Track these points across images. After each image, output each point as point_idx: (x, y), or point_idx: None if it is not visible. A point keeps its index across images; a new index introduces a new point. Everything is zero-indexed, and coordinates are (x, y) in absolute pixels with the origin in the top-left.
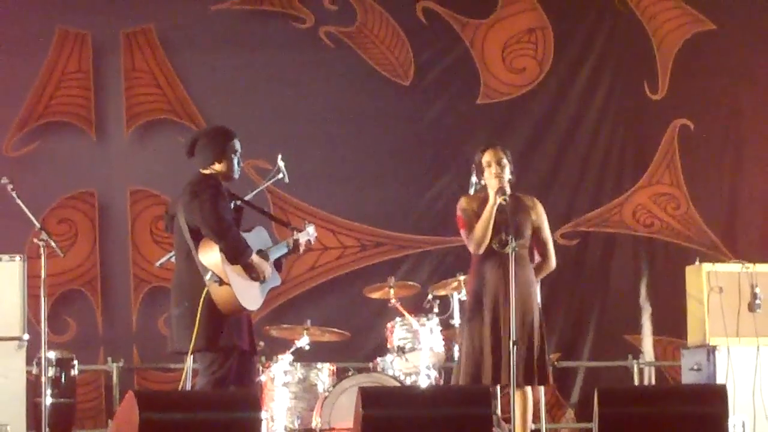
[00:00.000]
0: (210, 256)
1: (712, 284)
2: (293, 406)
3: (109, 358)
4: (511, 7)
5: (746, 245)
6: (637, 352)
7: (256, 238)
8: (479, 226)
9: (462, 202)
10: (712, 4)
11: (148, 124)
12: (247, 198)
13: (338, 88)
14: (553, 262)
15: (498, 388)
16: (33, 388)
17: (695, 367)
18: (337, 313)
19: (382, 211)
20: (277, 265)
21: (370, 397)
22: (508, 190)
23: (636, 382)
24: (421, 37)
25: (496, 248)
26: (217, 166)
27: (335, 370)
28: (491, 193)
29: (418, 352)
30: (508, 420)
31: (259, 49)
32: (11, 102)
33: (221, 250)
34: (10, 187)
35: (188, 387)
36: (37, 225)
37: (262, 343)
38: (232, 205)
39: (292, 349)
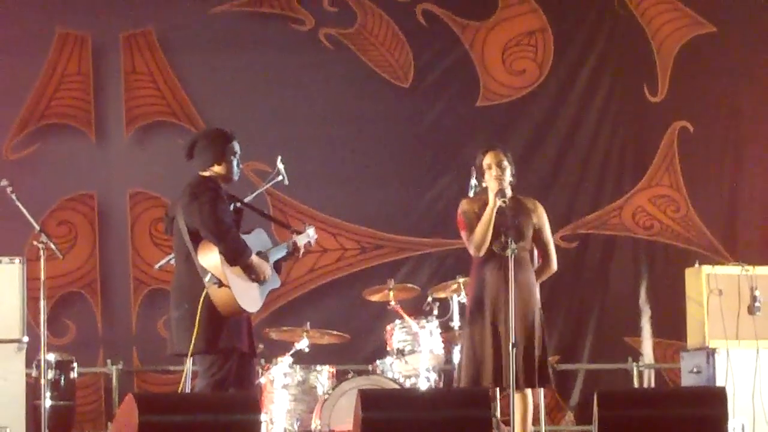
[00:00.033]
0: (209, 258)
1: (711, 287)
2: (293, 408)
3: (109, 361)
4: (511, 10)
5: (746, 248)
6: (636, 355)
7: (256, 239)
8: (479, 229)
9: (463, 204)
10: (711, 6)
11: (147, 126)
12: (246, 200)
13: (338, 90)
14: (554, 264)
15: (498, 390)
16: (32, 390)
17: (695, 370)
18: (336, 315)
19: (382, 214)
20: (277, 267)
21: (369, 400)
22: (509, 192)
23: (636, 385)
24: (420, 39)
25: (497, 251)
26: (217, 168)
27: (335, 373)
28: (491, 195)
29: (417, 355)
30: (507, 422)
31: (259, 51)
32: (11, 104)
33: (220, 252)
34: (9, 189)
35: (188, 389)
36: (37, 227)
37: (261, 346)
38: (232, 207)
39: (291, 352)
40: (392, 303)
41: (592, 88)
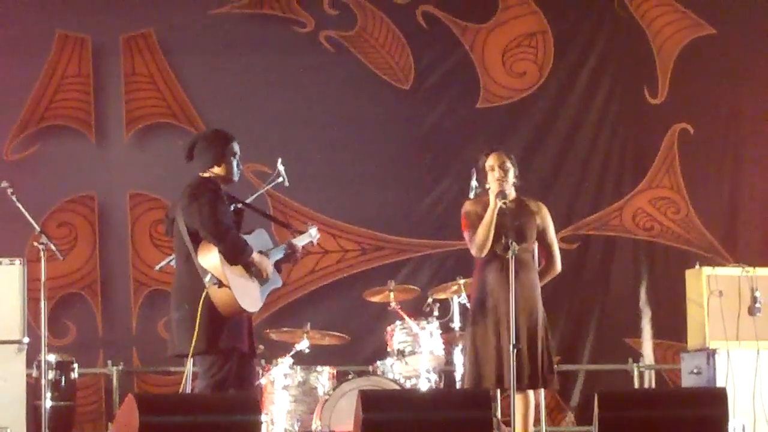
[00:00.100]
0: (209, 258)
1: (712, 288)
2: (293, 409)
3: (109, 362)
4: (511, 11)
5: (746, 249)
6: (637, 356)
7: (257, 240)
8: (480, 230)
9: (466, 205)
10: (711, 8)
11: (147, 127)
12: (247, 201)
13: (338, 92)
14: (558, 266)
15: (499, 390)
16: (33, 391)
17: (695, 371)
18: (337, 316)
19: (383, 215)
20: (277, 267)
21: (370, 401)
22: (512, 194)
23: (636, 386)
24: (421, 42)
25: (500, 252)
26: (217, 169)
27: (335, 374)
28: (491, 196)
29: (418, 356)
30: (508, 423)
31: (259, 53)
32: (11, 105)
33: (220, 251)
34: (10, 190)
35: (188, 390)
36: (37, 228)
37: (261, 347)
38: (232, 208)
39: (292, 353)
40: (393, 304)
41: (592, 90)
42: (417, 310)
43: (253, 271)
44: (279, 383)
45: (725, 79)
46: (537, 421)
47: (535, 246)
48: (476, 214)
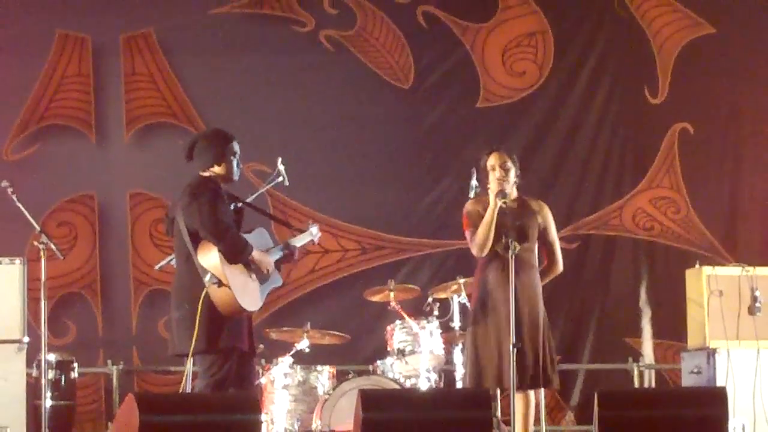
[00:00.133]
0: (209, 257)
1: (712, 287)
2: (293, 408)
3: (109, 361)
4: (511, 11)
5: (746, 248)
6: (637, 355)
7: (257, 239)
8: (481, 229)
9: (468, 205)
10: (711, 7)
11: (147, 127)
12: (247, 201)
13: (338, 91)
14: (560, 265)
15: (498, 390)
16: (33, 390)
17: (695, 370)
18: (337, 315)
19: (383, 214)
20: (276, 266)
21: (370, 400)
22: (513, 193)
23: (636, 385)
24: (421, 41)
25: (501, 252)
26: (216, 169)
27: (335, 373)
28: (491, 196)
29: (418, 355)
30: (508, 422)
31: (259, 53)
32: (11, 104)
33: (220, 251)
34: (10, 190)
35: (188, 389)
36: (37, 228)
37: (261, 346)
38: (233, 207)
39: (292, 352)
40: (393, 303)
41: (592, 90)
42: (417, 310)
43: (253, 268)
44: (279, 382)
45: (725, 79)
46: (537, 421)
47: (535, 245)
48: (478, 214)
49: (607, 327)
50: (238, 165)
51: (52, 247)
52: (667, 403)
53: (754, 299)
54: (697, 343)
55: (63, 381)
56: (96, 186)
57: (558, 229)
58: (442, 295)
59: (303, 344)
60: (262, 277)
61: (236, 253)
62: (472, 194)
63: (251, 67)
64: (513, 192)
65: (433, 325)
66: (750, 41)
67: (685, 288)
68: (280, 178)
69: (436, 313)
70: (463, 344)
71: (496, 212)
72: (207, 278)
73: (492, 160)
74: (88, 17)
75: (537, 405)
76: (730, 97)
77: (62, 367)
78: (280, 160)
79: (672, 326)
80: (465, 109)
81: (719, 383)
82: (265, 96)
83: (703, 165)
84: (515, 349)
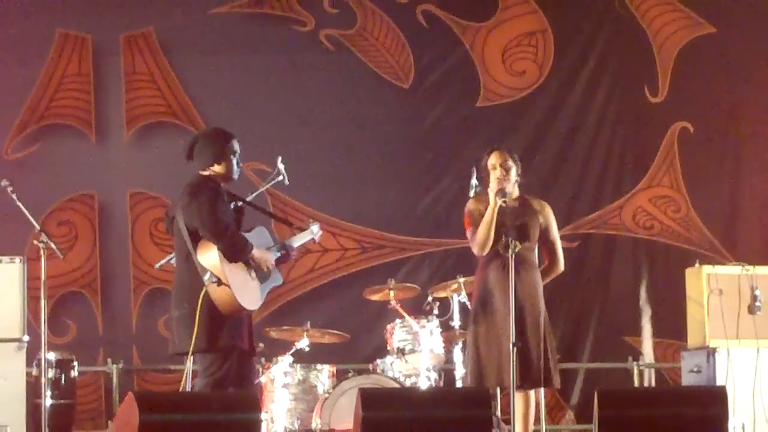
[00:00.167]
0: (209, 256)
1: (712, 286)
2: (293, 407)
3: (109, 360)
4: (512, 11)
5: (746, 247)
6: (637, 354)
7: (257, 237)
8: (481, 228)
9: (469, 204)
10: (711, 7)
11: (147, 126)
12: (248, 200)
13: (338, 90)
14: (561, 265)
15: (499, 389)
16: (33, 389)
17: (695, 369)
18: (337, 314)
19: (383, 213)
20: (276, 264)
21: (370, 399)
22: (515, 192)
23: (636, 384)
24: (421, 40)
25: (501, 251)
26: (216, 168)
27: (335, 372)
28: (491, 195)
29: (417, 354)
30: (508, 421)
31: (259, 52)
32: (11, 104)
33: (219, 249)
34: (10, 189)
35: (188, 388)
36: (37, 227)
37: (261, 345)
38: (233, 206)
39: (291, 351)
40: (392, 302)
41: (592, 89)
42: (417, 309)
43: (253, 267)
44: (279, 381)
45: (725, 78)
46: (537, 420)
47: (536, 245)
48: (479, 213)
49: (607, 326)
50: (238, 164)
51: (52, 246)
52: (667, 402)
53: (754, 298)
54: (697, 342)
55: (63, 380)
56: (96, 185)
57: (558, 228)
58: (442, 294)
59: (303, 343)
60: (262, 276)
61: (235, 251)
62: (472, 193)
63: (251, 66)
64: (515, 191)
65: (433, 324)
66: (750, 41)
67: (685, 287)
68: (280, 177)
69: (436, 312)
70: (463, 343)
71: (496, 211)
72: (206, 277)
73: (493, 159)
74: (88, 17)
75: (537, 404)
76: (729, 97)
77: (62, 365)
78: (280, 159)
79: (672, 325)
80: (465, 109)
81: (719, 382)
82: (265, 95)
83: (703, 164)
84: (516, 349)
